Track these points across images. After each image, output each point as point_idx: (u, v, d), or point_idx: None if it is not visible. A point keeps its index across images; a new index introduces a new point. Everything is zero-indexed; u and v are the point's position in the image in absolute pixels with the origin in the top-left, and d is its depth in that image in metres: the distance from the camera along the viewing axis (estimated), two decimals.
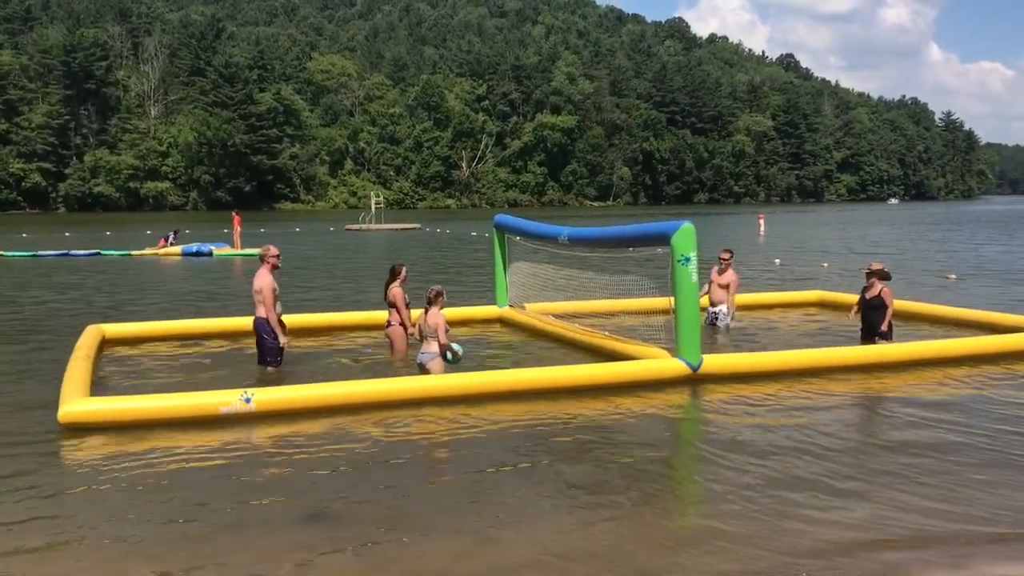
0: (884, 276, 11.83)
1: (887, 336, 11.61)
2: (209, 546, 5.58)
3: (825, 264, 26.41)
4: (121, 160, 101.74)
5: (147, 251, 32.17)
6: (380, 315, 12.38)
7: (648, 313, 12.05)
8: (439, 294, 10.12)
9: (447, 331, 10.00)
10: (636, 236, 11.60)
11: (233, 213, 37.19)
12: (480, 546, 5.61)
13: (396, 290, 11.52)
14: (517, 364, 11.17)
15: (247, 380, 9.98)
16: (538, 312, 13.91)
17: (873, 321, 11.69)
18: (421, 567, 5.29)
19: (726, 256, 13.98)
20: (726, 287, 13.70)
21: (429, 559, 5.39)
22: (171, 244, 32.47)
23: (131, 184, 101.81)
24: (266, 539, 5.70)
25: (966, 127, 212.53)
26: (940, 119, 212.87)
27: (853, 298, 12.97)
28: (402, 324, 11.54)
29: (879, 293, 11.67)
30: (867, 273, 12.00)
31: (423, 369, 9.94)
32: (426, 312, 10.06)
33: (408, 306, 11.59)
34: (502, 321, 14.58)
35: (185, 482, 6.79)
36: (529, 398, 9.33)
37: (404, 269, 11.73)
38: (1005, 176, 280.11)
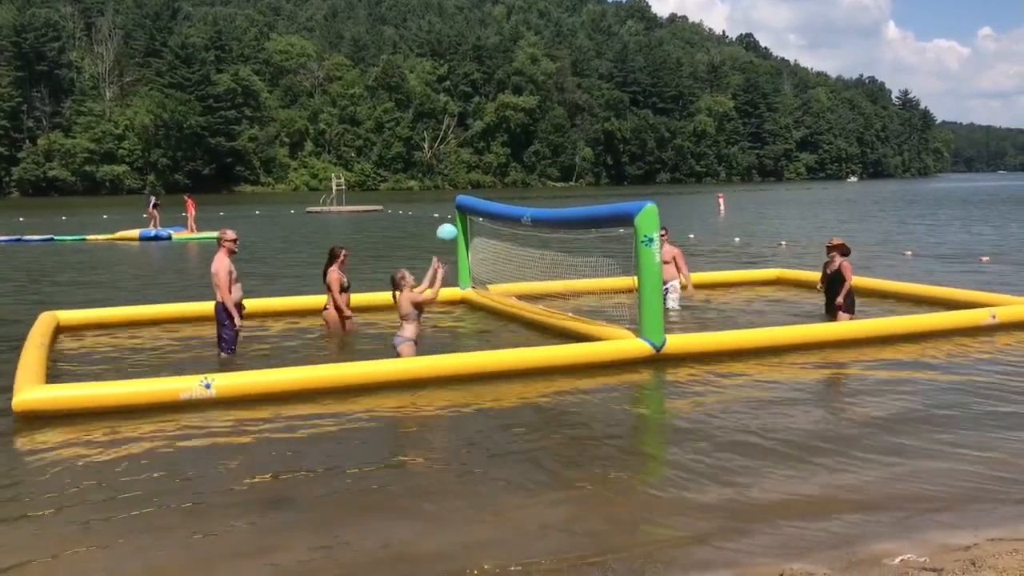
0: (844, 251, 12.05)
1: (849, 309, 11.79)
2: (168, 533, 5.52)
3: (783, 243, 26.65)
4: (76, 143, 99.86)
5: (139, 230, 32.80)
6: None
7: (612, 293, 12.08)
8: (403, 277, 10.02)
9: (431, 289, 10.08)
10: (599, 217, 11.59)
11: (186, 197, 36.94)
12: (440, 525, 5.60)
13: (332, 274, 11.46)
14: (480, 346, 11.14)
15: (207, 365, 9.85)
16: (501, 294, 13.89)
17: (836, 293, 11.92)
18: (380, 547, 5.28)
19: (661, 234, 14.04)
20: (670, 262, 13.73)
21: (388, 539, 5.38)
22: (155, 208, 34.65)
23: (87, 168, 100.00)
24: (226, 525, 5.65)
25: (922, 106, 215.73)
26: (897, 98, 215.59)
27: (811, 275, 13.13)
28: (337, 307, 11.51)
29: (839, 267, 11.89)
30: (828, 248, 12.24)
31: (396, 351, 9.86)
32: (394, 297, 9.97)
33: (347, 290, 11.52)
34: (465, 303, 14.54)
35: (144, 470, 6.69)
36: (492, 380, 9.31)
37: (343, 252, 11.65)
38: (960, 155, 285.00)
